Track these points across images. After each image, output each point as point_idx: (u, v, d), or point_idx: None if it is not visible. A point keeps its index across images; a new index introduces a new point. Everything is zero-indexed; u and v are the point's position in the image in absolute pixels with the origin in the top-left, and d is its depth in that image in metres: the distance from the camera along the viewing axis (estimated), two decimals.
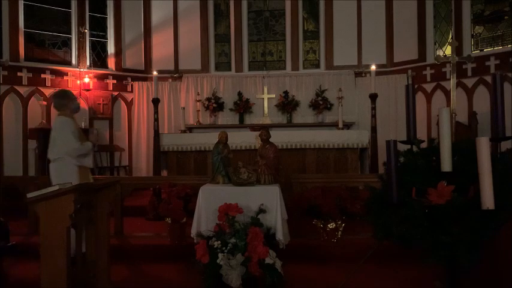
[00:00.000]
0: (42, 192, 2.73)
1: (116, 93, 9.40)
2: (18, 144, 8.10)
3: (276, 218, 4.05)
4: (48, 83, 8.47)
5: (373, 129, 6.91)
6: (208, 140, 6.60)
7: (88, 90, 8.89)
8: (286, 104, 9.27)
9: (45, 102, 8.27)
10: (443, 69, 8.42)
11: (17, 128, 8.15)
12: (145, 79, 9.65)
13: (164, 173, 7.11)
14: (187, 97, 9.59)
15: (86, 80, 8.81)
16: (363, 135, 6.68)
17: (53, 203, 2.74)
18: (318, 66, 9.81)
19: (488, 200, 2.09)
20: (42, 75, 8.42)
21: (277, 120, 9.23)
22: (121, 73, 9.50)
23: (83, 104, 8.81)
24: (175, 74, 9.72)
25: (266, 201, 4.07)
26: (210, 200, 4.17)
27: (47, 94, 8.43)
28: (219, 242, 3.66)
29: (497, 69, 7.64)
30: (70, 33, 8.96)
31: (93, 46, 9.29)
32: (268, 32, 9.99)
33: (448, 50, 8.46)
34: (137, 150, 9.39)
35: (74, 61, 8.95)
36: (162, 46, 9.80)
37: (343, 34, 9.44)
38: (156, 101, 7.18)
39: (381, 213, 2.47)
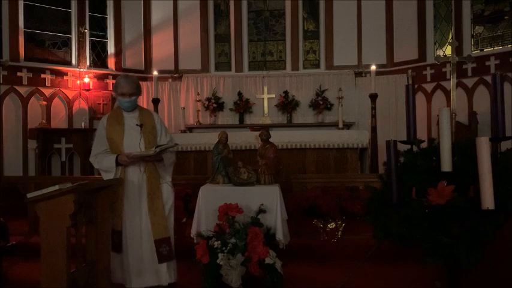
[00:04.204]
0: (42, 192, 2.73)
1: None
2: (18, 144, 8.07)
3: (276, 218, 4.05)
4: (48, 83, 8.46)
5: (373, 129, 6.92)
6: (208, 140, 6.60)
7: (88, 90, 8.87)
8: (286, 104, 9.25)
9: (45, 102, 8.24)
10: (444, 69, 8.41)
11: (17, 128, 8.12)
12: (145, 79, 9.64)
13: None
14: (187, 97, 9.57)
15: (86, 80, 8.79)
16: (363, 135, 6.68)
17: (53, 203, 2.74)
18: (318, 66, 9.80)
19: (488, 200, 2.09)
20: (42, 75, 8.40)
21: (277, 120, 9.22)
22: (121, 73, 9.45)
23: (83, 104, 8.82)
24: (175, 74, 9.71)
25: (266, 201, 4.07)
26: (210, 200, 4.17)
27: (47, 94, 8.42)
28: (219, 242, 3.66)
29: (497, 69, 7.63)
30: (70, 33, 8.94)
31: (93, 46, 9.27)
32: (268, 32, 9.98)
33: (448, 50, 8.45)
34: None
35: (74, 61, 8.93)
36: (162, 46, 9.79)
37: (343, 34, 9.42)
38: (156, 101, 7.19)
39: (380, 213, 2.47)
